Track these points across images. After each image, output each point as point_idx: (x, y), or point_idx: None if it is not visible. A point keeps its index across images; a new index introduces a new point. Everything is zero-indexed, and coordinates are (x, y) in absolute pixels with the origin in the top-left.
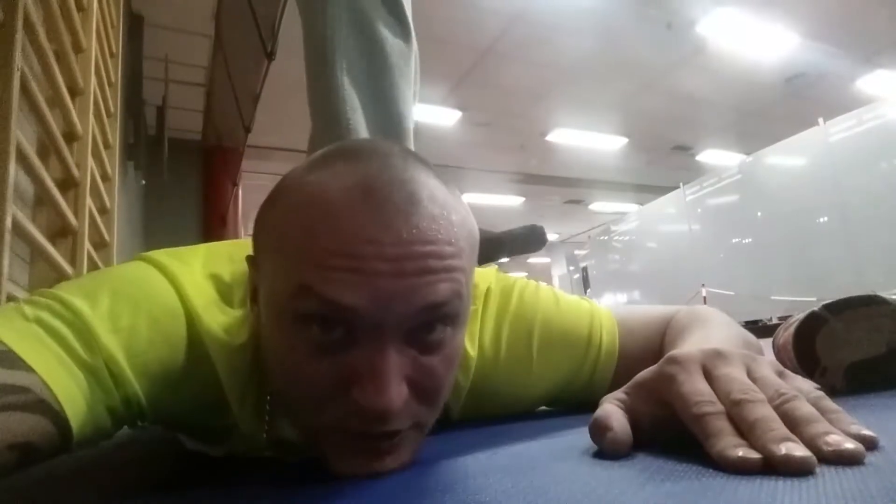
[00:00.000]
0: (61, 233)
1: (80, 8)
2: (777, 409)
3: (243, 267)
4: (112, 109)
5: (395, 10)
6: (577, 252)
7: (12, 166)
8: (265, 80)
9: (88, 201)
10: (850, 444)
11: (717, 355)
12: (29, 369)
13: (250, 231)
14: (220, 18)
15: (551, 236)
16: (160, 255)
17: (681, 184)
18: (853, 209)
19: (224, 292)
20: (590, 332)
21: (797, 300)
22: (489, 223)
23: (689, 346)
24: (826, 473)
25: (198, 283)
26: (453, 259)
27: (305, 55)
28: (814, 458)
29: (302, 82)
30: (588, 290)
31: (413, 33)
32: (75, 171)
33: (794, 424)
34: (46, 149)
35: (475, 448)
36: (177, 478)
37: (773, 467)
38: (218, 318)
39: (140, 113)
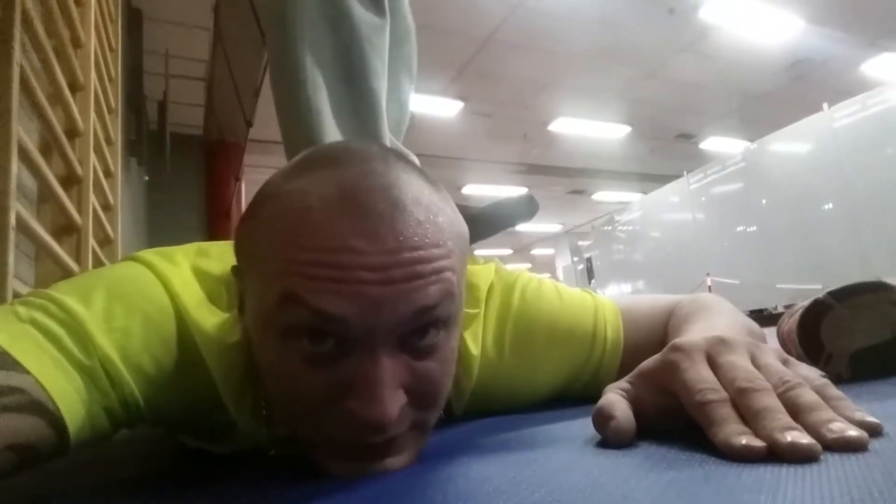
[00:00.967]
0: (65, 230)
1: (78, 3)
2: (781, 396)
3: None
4: (113, 105)
5: None
6: (580, 243)
7: (14, 163)
8: (265, 72)
9: (92, 198)
10: (853, 432)
11: (721, 343)
12: (23, 370)
13: None
14: (219, 10)
15: (555, 227)
16: (150, 254)
17: (684, 172)
18: (858, 195)
19: (214, 292)
20: (594, 328)
21: (802, 288)
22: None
23: (693, 334)
24: (830, 460)
25: (187, 282)
26: (442, 261)
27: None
28: (818, 446)
29: None
30: (592, 281)
31: (387, 8)
32: (78, 168)
33: (797, 412)
34: (48, 145)
35: (478, 437)
36: (176, 474)
37: (778, 455)
38: (208, 317)
39: (141, 108)
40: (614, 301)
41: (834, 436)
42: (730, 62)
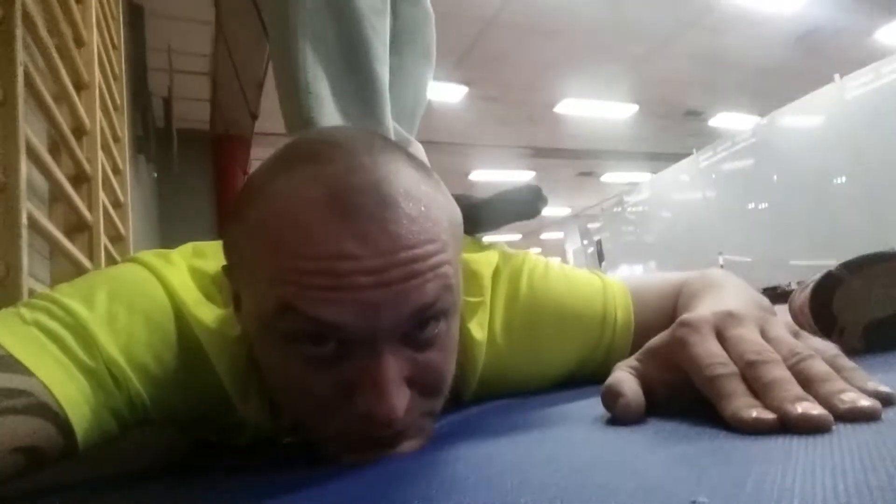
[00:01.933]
0: (77, 228)
1: (78, 1)
2: (791, 368)
3: None
4: (119, 102)
5: None
6: (590, 226)
7: (23, 162)
8: (268, 65)
9: (102, 195)
10: (866, 402)
11: (730, 317)
12: (28, 373)
13: None
14: (220, 4)
15: (564, 210)
16: (148, 255)
17: (694, 150)
18: (872, 169)
19: (211, 290)
20: (604, 311)
21: (816, 264)
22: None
23: (702, 309)
24: (842, 431)
25: (185, 281)
26: (438, 255)
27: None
28: (830, 416)
29: None
30: (603, 264)
31: None
32: (86, 166)
33: (808, 383)
34: (56, 144)
35: (487, 418)
36: (188, 463)
37: (789, 427)
38: (208, 314)
39: (147, 105)
40: (623, 281)
41: (846, 406)
42: (738, 35)
